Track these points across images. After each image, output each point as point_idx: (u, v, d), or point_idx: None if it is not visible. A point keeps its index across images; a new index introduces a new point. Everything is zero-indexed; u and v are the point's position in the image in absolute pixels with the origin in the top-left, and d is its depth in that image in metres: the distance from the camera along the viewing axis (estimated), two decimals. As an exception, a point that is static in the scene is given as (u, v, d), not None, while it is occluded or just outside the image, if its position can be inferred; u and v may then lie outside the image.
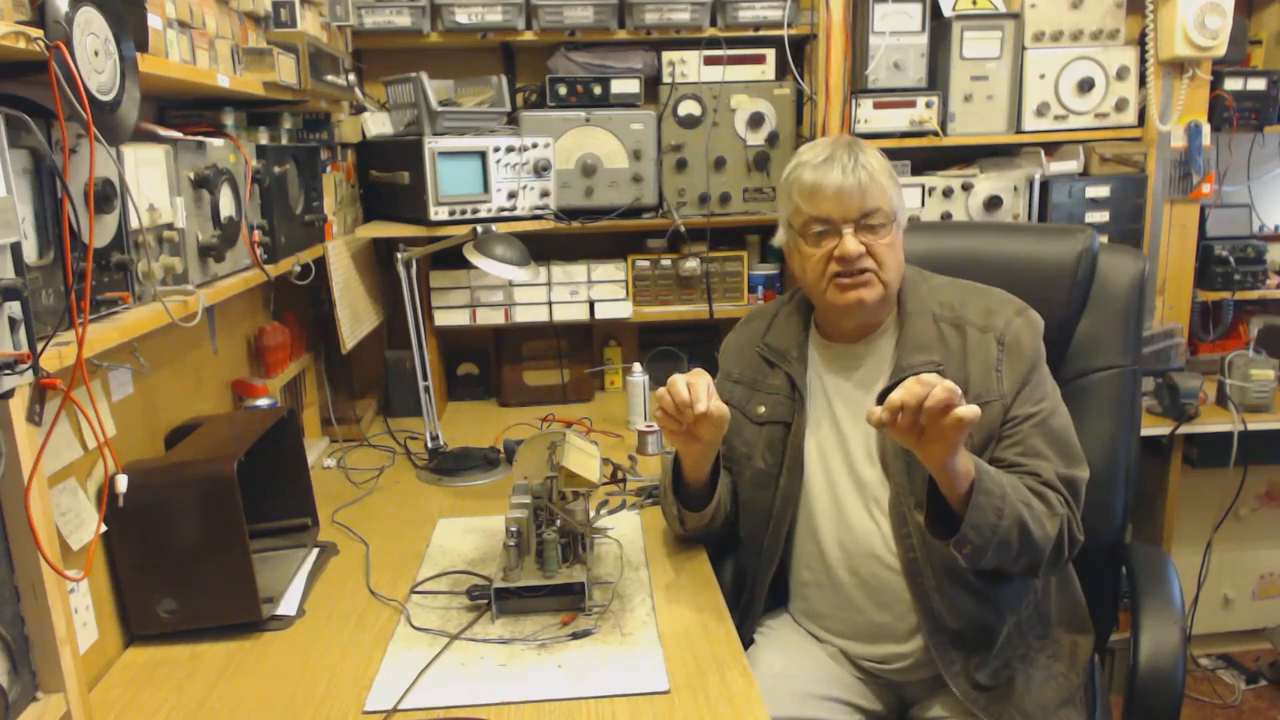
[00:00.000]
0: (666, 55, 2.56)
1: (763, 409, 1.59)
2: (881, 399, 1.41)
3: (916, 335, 1.48)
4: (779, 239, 1.58)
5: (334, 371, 2.45)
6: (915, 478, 1.41)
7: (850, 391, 1.55)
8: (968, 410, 1.19)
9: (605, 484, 1.99)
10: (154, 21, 1.28)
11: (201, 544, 1.41)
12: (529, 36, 2.50)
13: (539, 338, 2.70)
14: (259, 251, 1.68)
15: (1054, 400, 1.47)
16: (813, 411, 1.57)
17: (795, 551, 1.59)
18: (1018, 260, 1.65)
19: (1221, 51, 2.39)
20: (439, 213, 2.21)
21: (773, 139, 2.58)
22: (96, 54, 1.06)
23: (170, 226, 1.36)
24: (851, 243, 1.43)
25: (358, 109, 2.48)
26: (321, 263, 2.10)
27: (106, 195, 1.16)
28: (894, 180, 1.47)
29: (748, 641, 1.63)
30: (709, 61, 2.56)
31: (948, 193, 2.50)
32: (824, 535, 1.53)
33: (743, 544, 1.66)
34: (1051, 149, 2.57)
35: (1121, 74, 2.48)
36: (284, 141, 1.93)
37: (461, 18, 2.43)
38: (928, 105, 2.45)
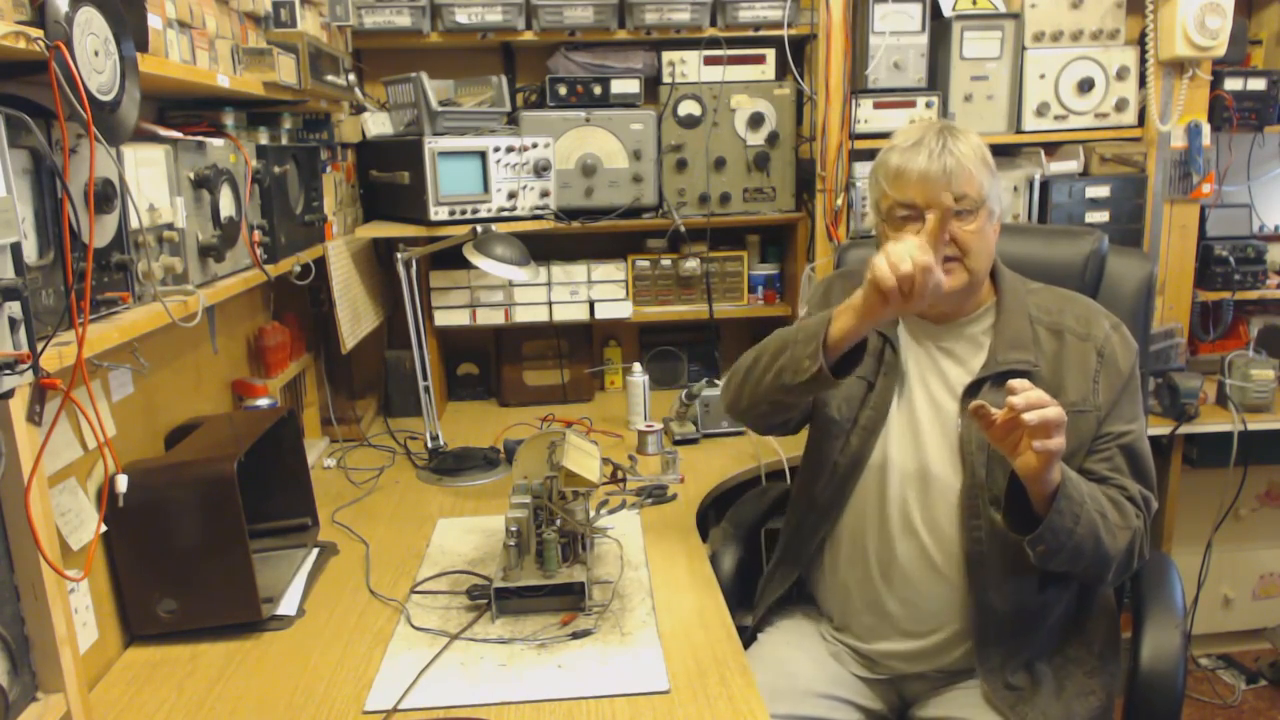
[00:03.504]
0: (666, 55, 2.56)
1: None
2: (973, 391, 1.41)
3: (1013, 333, 1.47)
4: (869, 222, 1.56)
5: (334, 371, 2.45)
6: (995, 472, 1.40)
7: (931, 368, 1.52)
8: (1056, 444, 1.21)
9: (605, 484, 1.99)
10: (154, 21, 1.28)
11: (201, 544, 1.41)
12: (529, 36, 2.50)
13: (539, 338, 2.70)
14: (259, 251, 1.68)
15: (1144, 424, 1.47)
16: (903, 378, 1.54)
17: (844, 517, 1.55)
18: (1026, 262, 1.64)
19: (1221, 51, 2.39)
20: (439, 213, 2.21)
21: (773, 139, 2.58)
22: (96, 54, 1.06)
23: (170, 226, 1.36)
24: None
25: (358, 109, 2.48)
26: (321, 263, 2.10)
27: (106, 195, 1.16)
28: (987, 167, 1.44)
29: (755, 629, 1.63)
30: (709, 61, 2.56)
31: (948, 193, 2.49)
32: (880, 506, 1.50)
33: (795, 495, 1.63)
34: (1051, 149, 2.57)
35: (1121, 74, 2.47)
36: (284, 141, 1.93)
37: (461, 18, 2.43)
38: (928, 105, 2.45)
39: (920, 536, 1.46)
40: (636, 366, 2.43)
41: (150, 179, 1.30)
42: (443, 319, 2.60)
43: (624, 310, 2.65)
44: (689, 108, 2.57)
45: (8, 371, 0.95)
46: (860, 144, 2.42)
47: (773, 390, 1.46)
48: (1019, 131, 2.51)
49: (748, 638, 1.61)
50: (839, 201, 2.43)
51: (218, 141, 1.54)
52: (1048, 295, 1.53)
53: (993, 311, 1.51)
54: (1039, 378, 1.42)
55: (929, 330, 1.54)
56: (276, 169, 1.77)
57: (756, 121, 2.57)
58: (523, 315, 2.62)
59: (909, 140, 1.45)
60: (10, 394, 0.98)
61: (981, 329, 1.51)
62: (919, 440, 1.49)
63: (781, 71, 2.61)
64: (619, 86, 2.54)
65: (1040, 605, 1.44)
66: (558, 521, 1.52)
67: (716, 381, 2.43)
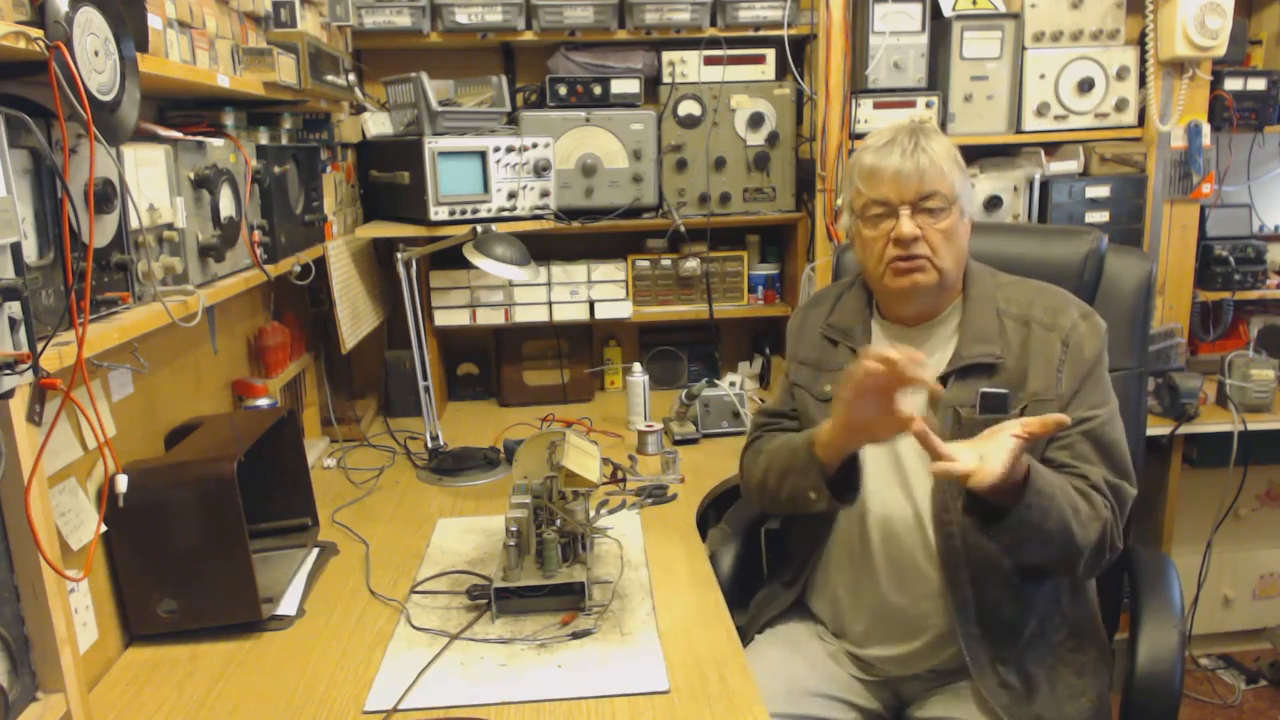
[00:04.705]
0: (666, 55, 2.56)
1: (829, 387, 1.59)
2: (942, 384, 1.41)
3: (978, 327, 1.48)
4: (842, 224, 1.57)
5: (334, 371, 2.45)
6: None
7: None
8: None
9: (605, 484, 1.99)
10: (154, 21, 1.28)
11: (201, 544, 1.41)
12: (529, 36, 2.50)
13: (539, 338, 2.70)
14: (259, 251, 1.68)
15: (1111, 409, 1.46)
16: None
17: (835, 526, 1.57)
18: (1024, 261, 1.64)
19: (1221, 51, 2.39)
20: (439, 213, 2.21)
21: (773, 139, 2.58)
22: (96, 54, 1.06)
23: (170, 226, 1.36)
24: (907, 224, 1.43)
25: (358, 109, 2.48)
26: (321, 263, 2.10)
27: (106, 195, 1.16)
28: (958, 167, 1.47)
29: (754, 633, 1.63)
30: (709, 61, 2.56)
31: (948, 193, 2.49)
32: (864, 512, 1.51)
33: (798, 521, 1.64)
34: (1051, 149, 2.57)
35: (1121, 74, 2.47)
36: (284, 141, 1.93)
37: (461, 18, 2.43)
38: (928, 105, 2.45)
39: (902, 539, 1.48)
40: (636, 366, 2.43)
41: (150, 179, 1.30)
42: (443, 319, 2.60)
43: (624, 310, 2.65)
44: (689, 108, 2.57)
45: (8, 371, 0.95)
46: (860, 144, 2.41)
47: (792, 510, 1.56)
48: (1019, 131, 2.51)
49: (745, 639, 1.61)
50: (839, 201, 2.43)
51: (218, 141, 1.54)
52: (1018, 288, 1.54)
53: (961, 308, 1.53)
54: (1004, 370, 1.45)
55: (902, 333, 1.56)
56: (276, 169, 1.77)
57: (756, 121, 2.57)
58: (523, 315, 2.62)
59: (881, 140, 1.48)
60: (10, 394, 0.98)
61: (951, 327, 1.53)
62: (894, 445, 1.50)
63: (781, 71, 2.61)
64: (619, 86, 2.54)
65: (1020, 599, 1.44)
66: (558, 521, 1.52)
67: (716, 381, 2.43)
